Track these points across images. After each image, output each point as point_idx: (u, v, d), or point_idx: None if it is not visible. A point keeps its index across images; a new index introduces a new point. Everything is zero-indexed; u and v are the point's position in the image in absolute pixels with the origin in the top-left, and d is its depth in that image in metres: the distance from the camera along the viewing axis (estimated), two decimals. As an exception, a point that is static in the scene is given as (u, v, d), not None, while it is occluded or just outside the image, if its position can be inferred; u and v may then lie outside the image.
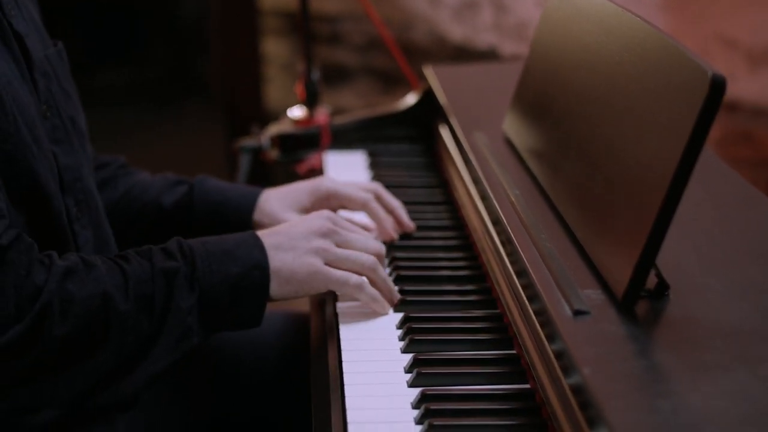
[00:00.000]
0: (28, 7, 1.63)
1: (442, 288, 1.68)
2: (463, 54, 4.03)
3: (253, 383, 1.84)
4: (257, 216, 1.82)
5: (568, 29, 1.74)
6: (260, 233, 1.55)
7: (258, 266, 1.50)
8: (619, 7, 1.55)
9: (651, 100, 1.34)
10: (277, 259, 1.51)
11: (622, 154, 1.39)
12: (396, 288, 1.62)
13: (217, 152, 4.52)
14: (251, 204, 1.84)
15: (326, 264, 1.54)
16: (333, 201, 1.81)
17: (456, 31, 4.03)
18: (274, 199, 1.84)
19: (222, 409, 1.83)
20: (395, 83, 4.14)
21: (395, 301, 1.60)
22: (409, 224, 1.84)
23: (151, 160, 4.34)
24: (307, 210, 1.82)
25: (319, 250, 1.54)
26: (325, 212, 1.62)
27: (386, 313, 1.59)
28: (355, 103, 4.35)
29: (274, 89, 4.58)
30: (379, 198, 1.83)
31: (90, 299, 1.39)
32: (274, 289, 1.51)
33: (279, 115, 4.18)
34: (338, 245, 1.57)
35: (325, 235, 1.56)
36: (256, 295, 1.50)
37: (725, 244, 1.47)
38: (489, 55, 3.96)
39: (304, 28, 2.42)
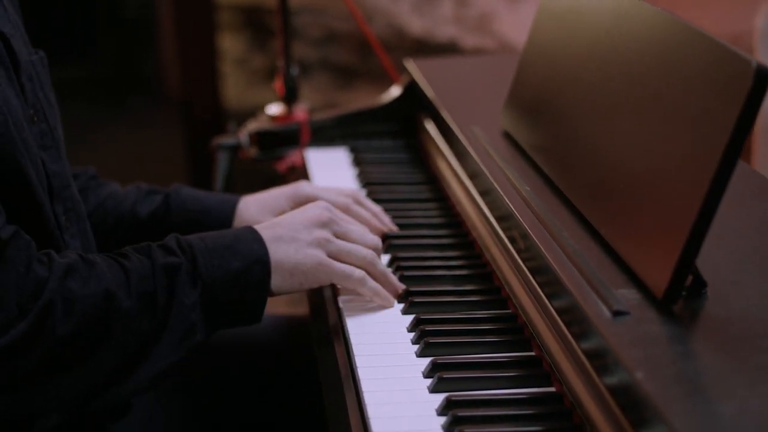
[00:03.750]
0: (10, 11, 1.57)
1: (443, 288, 1.63)
2: (422, 47, 3.99)
3: (250, 389, 1.80)
4: (237, 224, 1.79)
5: (572, 21, 1.69)
6: (258, 227, 1.52)
7: (259, 261, 1.47)
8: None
9: (683, 93, 1.29)
10: (279, 252, 1.48)
11: (650, 149, 1.34)
12: (396, 278, 1.59)
13: (173, 151, 4.44)
14: (230, 212, 1.81)
15: (329, 256, 1.52)
16: None
17: (416, 24, 3.99)
18: (252, 206, 1.81)
19: (219, 415, 1.79)
20: (355, 77, 4.09)
21: (399, 292, 1.58)
22: (392, 227, 1.81)
23: (103, 160, 4.26)
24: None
25: (321, 241, 1.52)
26: (322, 202, 1.60)
27: (391, 306, 1.56)
28: (312, 98, 4.29)
29: (229, 85, 4.50)
30: (359, 203, 1.80)
31: (92, 297, 1.35)
32: (277, 282, 1.48)
33: (236, 112, 4.13)
34: (337, 236, 1.55)
35: (325, 224, 1.54)
36: (257, 290, 1.47)
37: (754, 239, 1.44)
38: (450, 48, 3.93)
39: (283, 24, 2.36)
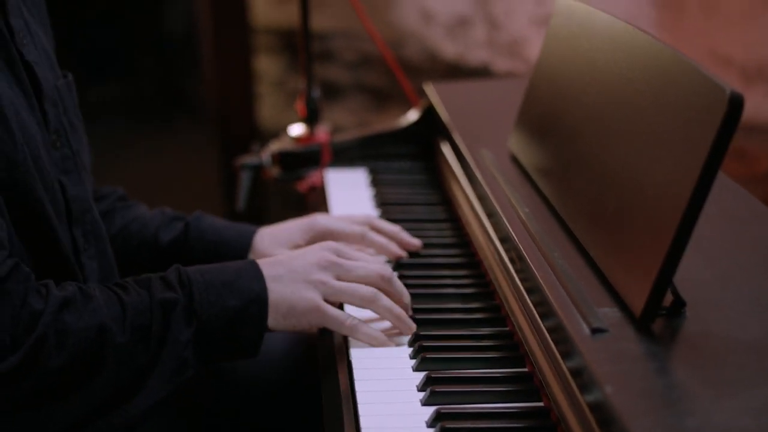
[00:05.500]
0: (39, 36, 1.62)
1: (449, 306, 1.68)
2: (455, 71, 4.03)
3: (258, 400, 1.83)
4: (252, 255, 1.83)
5: (574, 46, 1.74)
6: (261, 262, 1.55)
7: (256, 300, 1.49)
8: (628, 24, 1.56)
9: (666, 118, 1.34)
10: (276, 292, 1.51)
11: (637, 171, 1.38)
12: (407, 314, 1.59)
13: (209, 168, 4.51)
14: (247, 243, 1.85)
15: (325, 298, 1.54)
16: (328, 238, 1.80)
17: (449, 48, 4.04)
18: (268, 239, 1.85)
19: (227, 427, 1.82)
20: (388, 100, 4.15)
21: (406, 330, 1.57)
22: (413, 242, 1.85)
23: (142, 177, 4.34)
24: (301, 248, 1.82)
25: (318, 284, 1.53)
26: (329, 243, 1.62)
27: (395, 345, 1.56)
28: (347, 120, 4.35)
29: (265, 107, 4.57)
30: (374, 228, 1.83)
31: (86, 331, 1.39)
32: (272, 321, 1.51)
33: (271, 132, 4.20)
34: (339, 277, 1.56)
35: (326, 267, 1.55)
36: (253, 329, 1.50)
37: (737, 258, 1.47)
38: (482, 72, 3.96)
39: (304, 46, 2.41)
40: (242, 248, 1.84)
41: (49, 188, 1.50)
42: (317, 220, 1.85)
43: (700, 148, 1.21)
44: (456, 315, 1.65)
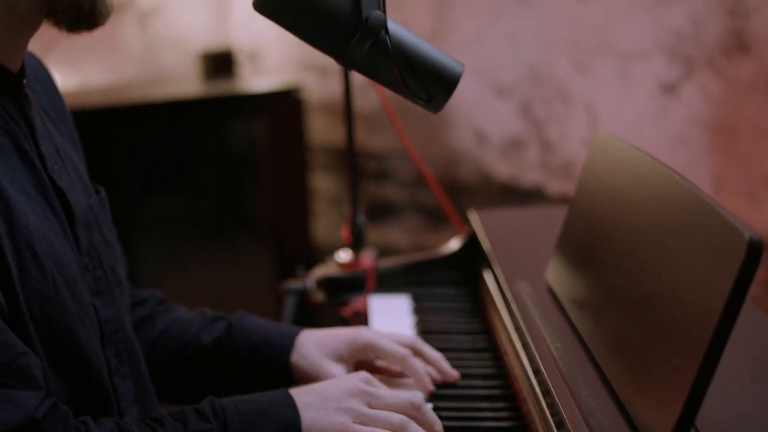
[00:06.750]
0: (71, 156, 1.66)
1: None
2: (509, 192, 4.06)
3: None
4: (294, 357, 1.84)
5: (609, 180, 1.76)
6: (293, 391, 1.57)
7: (290, 427, 1.51)
8: (657, 161, 1.57)
9: (689, 259, 1.35)
10: (308, 418, 1.52)
11: (662, 310, 1.39)
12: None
13: (264, 282, 4.55)
14: (290, 344, 1.85)
15: (356, 421, 1.55)
16: (370, 353, 1.82)
17: (502, 170, 4.07)
18: (311, 343, 1.85)
19: None
20: (442, 220, 4.18)
21: None
22: (452, 373, 1.85)
23: (198, 290, 4.39)
24: (343, 359, 1.83)
25: (350, 410, 1.55)
26: (361, 373, 1.64)
27: None
28: (402, 239, 4.38)
29: (321, 224, 4.63)
30: (417, 352, 1.84)
31: None
32: None
33: (327, 250, 4.24)
34: (370, 405, 1.57)
35: (357, 395, 1.57)
36: None
37: (764, 398, 1.47)
38: (535, 194, 3.99)
39: (351, 173, 2.46)
40: (285, 349, 1.85)
41: (87, 314, 1.52)
42: (362, 333, 1.86)
43: (721, 290, 1.22)
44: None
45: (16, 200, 1.41)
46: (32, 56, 1.73)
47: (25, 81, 1.53)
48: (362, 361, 1.86)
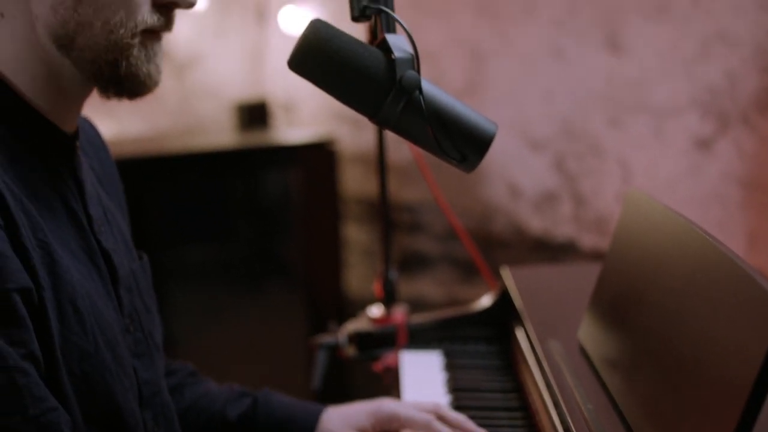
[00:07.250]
0: (117, 220, 1.68)
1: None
2: (541, 246, 4.06)
3: None
4: None
5: (642, 240, 1.75)
6: None
7: None
8: (690, 222, 1.57)
9: (723, 323, 1.35)
10: None
11: (695, 373, 1.38)
12: None
13: (296, 334, 4.55)
14: (314, 422, 1.88)
15: None
16: (394, 423, 1.83)
17: (535, 223, 4.07)
18: (335, 419, 1.88)
19: None
20: (475, 273, 4.17)
21: None
22: None
23: (229, 339, 4.39)
24: (367, 431, 1.84)
25: None
26: None
27: None
28: (434, 292, 4.38)
29: (354, 275, 4.63)
30: (440, 417, 1.84)
31: None
32: None
33: (359, 300, 4.24)
34: None
35: None
36: None
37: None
38: (568, 248, 3.98)
39: (384, 228, 2.46)
40: (309, 426, 1.88)
41: (126, 374, 1.53)
42: (384, 404, 1.88)
43: (756, 356, 1.22)
44: None
45: (62, 256, 1.42)
46: (87, 122, 1.76)
47: (78, 143, 1.55)
48: None
